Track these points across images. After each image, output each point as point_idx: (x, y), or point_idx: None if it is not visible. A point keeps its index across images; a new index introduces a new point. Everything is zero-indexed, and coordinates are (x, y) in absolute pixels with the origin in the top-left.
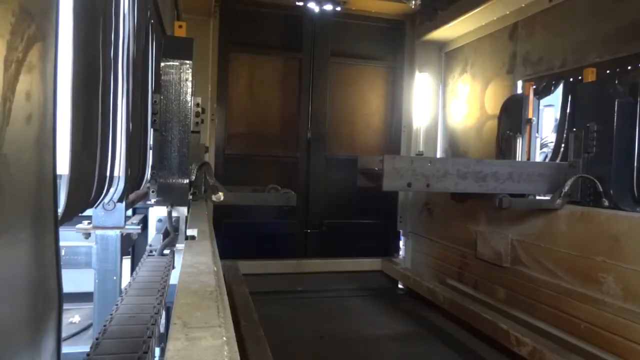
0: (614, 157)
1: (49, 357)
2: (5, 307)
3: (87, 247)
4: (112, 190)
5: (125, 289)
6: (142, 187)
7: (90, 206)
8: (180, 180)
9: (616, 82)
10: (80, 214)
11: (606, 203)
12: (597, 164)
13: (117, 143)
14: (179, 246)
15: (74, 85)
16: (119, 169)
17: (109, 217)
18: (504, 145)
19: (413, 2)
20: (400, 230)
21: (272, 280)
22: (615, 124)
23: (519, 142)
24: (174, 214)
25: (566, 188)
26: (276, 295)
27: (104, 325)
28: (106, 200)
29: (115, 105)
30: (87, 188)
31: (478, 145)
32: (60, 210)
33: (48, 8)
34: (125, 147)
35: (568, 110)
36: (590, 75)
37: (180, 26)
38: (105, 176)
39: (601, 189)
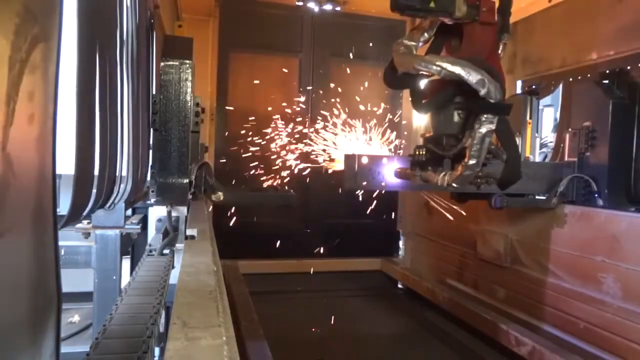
0: (608, 157)
1: (48, 357)
2: (4, 307)
3: (86, 247)
4: (118, 190)
5: (125, 288)
6: (142, 187)
7: (101, 206)
8: (180, 180)
9: (615, 82)
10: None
11: (600, 202)
12: (591, 163)
13: (123, 143)
14: (179, 246)
15: (79, 86)
16: (125, 169)
17: (108, 216)
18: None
19: None
20: (400, 230)
21: (272, 280)
22: (609, 124)
23: (519, 142)
24: (174, 213)
25: (561, 187)
26: (276, 295)
27: (104, 325)
28: (114, 200)
29: (120, 105)
30: (98, 188)
31: None
32: (64, 210)
33: (52, 8)
34: (130, 147)
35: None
36: (585, 76)
37: (180, 26)
38: (111, 176)
39: (595, 189)
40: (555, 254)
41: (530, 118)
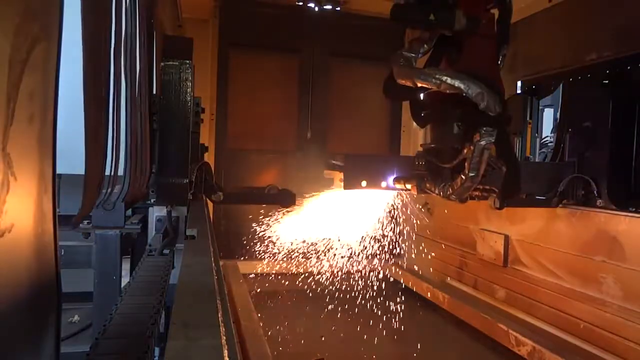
0: (608, 157)
1: (48, 357)
2: (4, 307)
3: (86, 247)
4: (117, 189)
5: (125, 288)
6: (142, 186)
7: (99, 205)
8: (180, 180)
9: (615, 82)
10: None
11: (600, 203)
12: (591, 163)
13: (123, 143)
14: (179, 246)
15: (86, 86)
16: (125, 169)
17: (108, 216)
18: None
19: None
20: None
21: (272, 280)
22: (610, 124)
23: (519, 142)
24: (174, 213)
25: (561, 187)
26: (276, 295)
27: (104, 325)
28: (112, 199)
29: (119, 105)
30: (99, 188)
31: None
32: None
33: (52, 8)
34: (128, 146)
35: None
36: (585, 76)
37: (180, 26)
38: (111, 176)
39: (595, 189)
40: (555, 254)
41: (530, 118)
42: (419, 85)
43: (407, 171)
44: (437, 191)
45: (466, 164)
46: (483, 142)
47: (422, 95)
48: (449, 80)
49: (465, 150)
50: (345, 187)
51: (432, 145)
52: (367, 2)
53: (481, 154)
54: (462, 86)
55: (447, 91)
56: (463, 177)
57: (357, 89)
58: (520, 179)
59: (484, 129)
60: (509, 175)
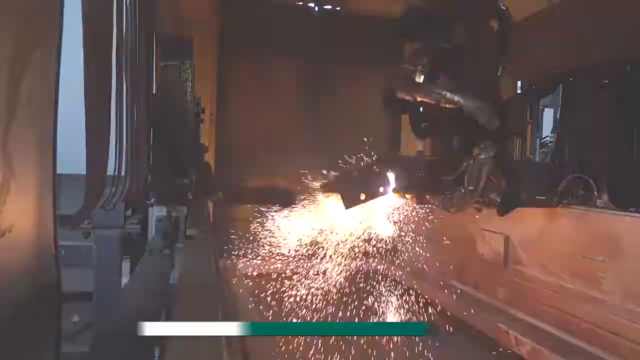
0: (608, 157)
1: (48, 357)
2: (4, 307)
3: (86, 247)
4: (118, 190)
5: (125, 288)
6: (142, 187)
7: (100, 205)
8: (180, 180)
9: (615, 82)
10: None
11: (600, 203)
12: (591, 163)
13: (123, 143)
14: (179, 246)
15: (85, 87)
16: (125, 169)
17: (108, 216)
18: None
19: None
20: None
21: (272, 279)
22: (609, 124)
23: (519, 142)
24: (174, 213)
25: (561, 187)
26: (276, 295)
27: (104, 325)
28: (114, 200)
29: (121, 106)
30: (100, 188)
31: None
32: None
33: (53, 10)
34: (129, 146)
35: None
36: (585, 76)
37: (180, 26)
38: (112, 176)
39: (595, 189)
40: (555, 254)
41: (530, 118)
42: (419, 99)
43: (406, 181)
44: (436, 203)
45: (466, 177)
46: (482, 156)
47: (421, 108)
48: (448, 95)
49: (465, 164)
50: (347, 207)
51: (432, 158)
52: (367, 2)
53: (481, 167)
54: (461, 101)
55: (447, 106)
56: (462, 190)
57: (357, 89)
58: (520, 192)
59: (484, 143)
60: (508, 189)
